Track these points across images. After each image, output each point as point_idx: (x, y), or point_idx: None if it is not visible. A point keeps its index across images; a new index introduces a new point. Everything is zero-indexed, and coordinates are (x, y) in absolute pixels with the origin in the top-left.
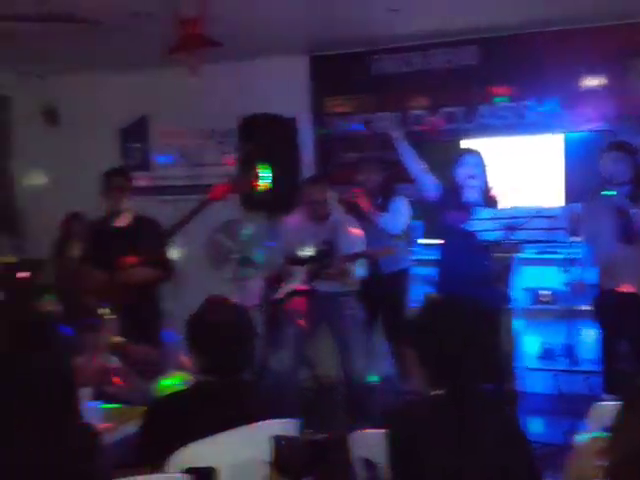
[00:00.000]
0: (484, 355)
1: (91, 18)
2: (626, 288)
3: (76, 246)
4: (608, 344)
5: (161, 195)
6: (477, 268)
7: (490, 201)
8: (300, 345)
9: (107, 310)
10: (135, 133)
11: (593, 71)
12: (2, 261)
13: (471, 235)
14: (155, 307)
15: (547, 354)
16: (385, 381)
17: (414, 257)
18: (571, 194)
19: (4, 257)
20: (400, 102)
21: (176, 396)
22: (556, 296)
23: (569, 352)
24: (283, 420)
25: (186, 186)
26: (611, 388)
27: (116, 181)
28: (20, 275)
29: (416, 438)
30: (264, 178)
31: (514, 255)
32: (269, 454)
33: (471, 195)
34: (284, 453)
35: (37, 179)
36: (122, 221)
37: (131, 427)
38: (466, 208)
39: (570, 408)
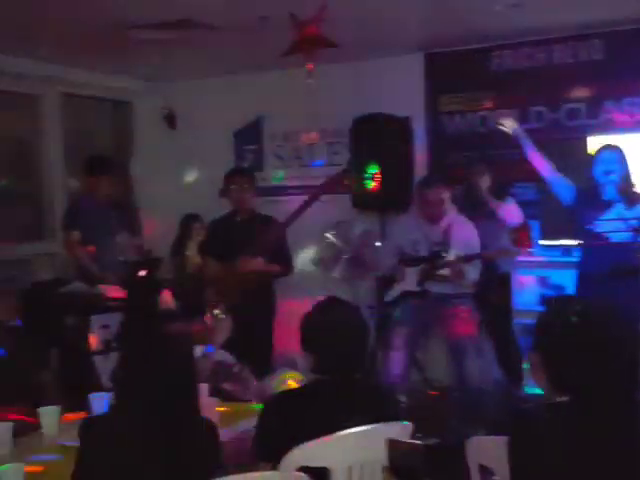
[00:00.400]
0: (615, 360)
1: (211, 24)
2: None
3: (193, 246)
4: None
5: (274, 196)
6: (623, 270)
7: (632, 198)
8: (412, 347)
9: (220, 310)
10: (249, 135)
11: None
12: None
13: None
14: (269, 304)
15: None
16: (498, 385)
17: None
18: None
19: (125, 256)
20: (520, 99)
21: (291, 394)
22: None
23: None
24: (397, 423)
25: (298, 186)
26: None
27: (239, 180)
28: (140, 273)
29: (539, 446)
30: (375, 178)
31: None
32: (384, 457)
33: (609, 192)
34: (400, 457)
35: (156, 180)
36: (243, 218)
37: (246, 424)
38: (604, 206)
39: None
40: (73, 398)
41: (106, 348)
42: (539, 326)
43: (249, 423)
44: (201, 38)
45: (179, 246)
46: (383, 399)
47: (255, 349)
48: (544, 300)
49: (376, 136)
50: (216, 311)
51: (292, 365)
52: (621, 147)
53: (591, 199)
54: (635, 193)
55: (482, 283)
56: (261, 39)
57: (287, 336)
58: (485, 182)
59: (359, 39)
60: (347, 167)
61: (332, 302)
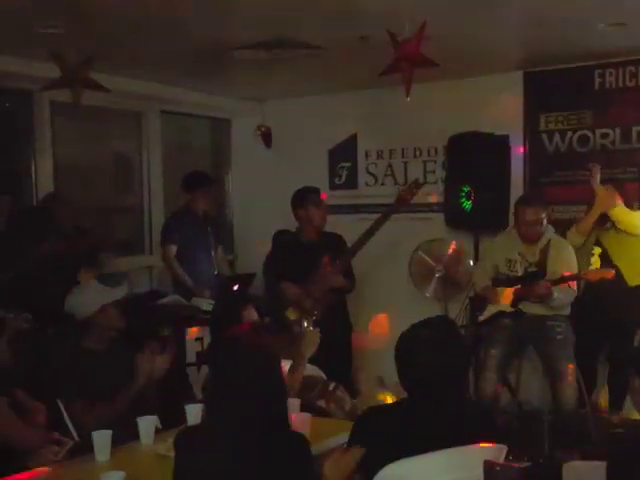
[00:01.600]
0: None
1: (310, 43)
2: None
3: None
4: None
5: (367, 213)
6: None
7: None
8: (502, 368)
9: (309, 324)
10: (344, 152)
11: None
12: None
13: None
14: (347, 320)
15: None
16: (601, 411)
17: None
18: None
19: (220, 271)
20: (622, 117)
21: (384, 409)
22: None
23: None
24: (492, 445)
25: (390, 204)
26: None
27: (308, 198)
28: (233, 288)
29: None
30: (469, 197)
31: None
32: (479, 477)
33: None
34: (497, 478)
35: (251, 197)
36: (310, 236)
37: (337, 440)
38: None
39: None
40: (168, 407)
41: (198, 360)
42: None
43: (342, 439)
44: (299, 57)
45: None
46: (480, 420)
47: (335, 367)
48: None
49: (472, 154)
50: (305, 323)
51: (380, 385)
52: None
53: None
54: None
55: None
56: (359, 58)
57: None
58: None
59: (458, 57)
60: (417, 179)
61: (432, 319)
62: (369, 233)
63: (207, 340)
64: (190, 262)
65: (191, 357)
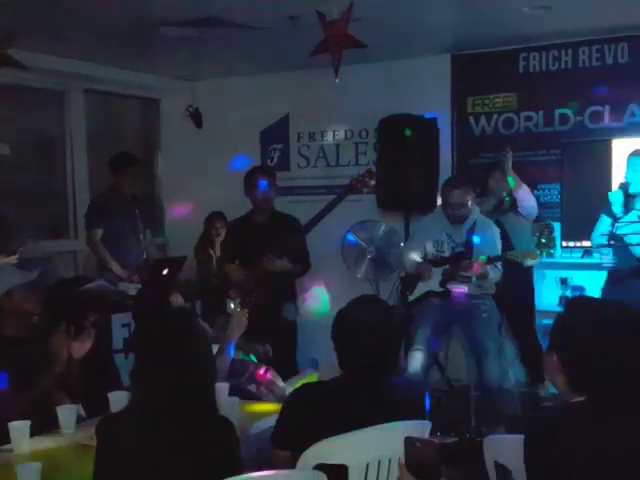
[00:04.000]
0: (632, 360)
1: (240, 22)
2: None
3: (217, 244)
4: None
5: (300, 195)
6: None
7: None
8: (431, 346)
9: (236, 304)
10: (276, 134)
11: None
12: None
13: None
14: (291, 304)
15: None
16: (519, 385)
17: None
18: None
19: (149, 255)
20: (547, 101)
21: (316, 387)
22: None
23: None
24: (415, 422)
25: (323, 186)
26: None
27: (260, 179)
28: (162, 272)
29: (555, 446)
30: (400, 178)
31: None
32: (402, 455)
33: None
34: (418, 455)
35: (181, 179)
36: (263, 218)
37: (267, 423)
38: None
39: None
40: (93, 395)
41: (126, 346)
42: (557, 327)
43: (272, 421)
44: (229, 37)
45: (203, 245)
46: (411, 398)
47: (278, 350)
48: (563, 301)
49: (402, 136)
50: (232, 304)
51: (313, 365)
52: None
53: (621, 201)
54: None
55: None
56: (290, 38)
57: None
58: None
59: (386, 39)
60: (372, 167)
61: (367, 300)
62: (316, 219)
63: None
64: (117, 246)
65: (118, 344)
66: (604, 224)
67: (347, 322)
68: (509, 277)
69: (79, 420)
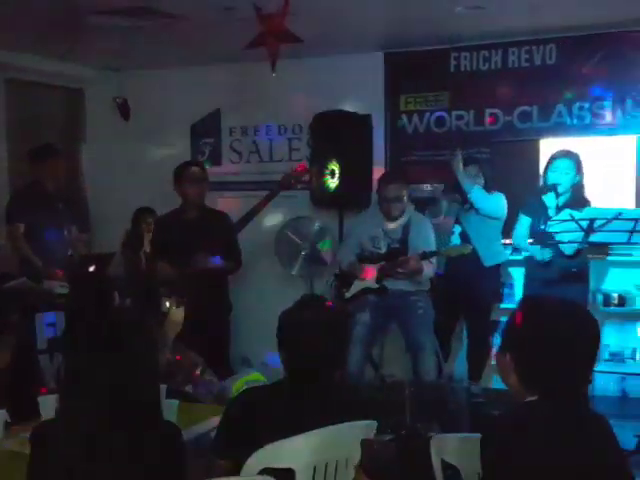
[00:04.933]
0: (581, 359)
1: (172, 12)
2: None
3: (146, 240)
4: None
5: (231, 190)
6: (567, 269)
7: (581, 202)
8: (368, 343)
9: (172, 303)
10: (207, 128)
11: None
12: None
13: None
14: (225, 301)
15: (615, 357)
16: (458, 381)
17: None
18: None
19: (73, 251)
20: (476, 101)
21: (259, 391)
22: (627, 298)
23: (638, 355)
24: (361, 422)
25: (256, 182)
26: None
27: (191, 173)
28: (89, 269)
29: (512, 445)
30: (334, 175)
31: (594, 257)
32: (349, 456)
33: (560, 196)
34: (376, 457)
35: (107, 173)
36: (193, 214)
37: (206, 425)
38: (556, 209)
39: (636, 412)
40: (17, 399)
41: (51, 347)
42: (510, 327)
43: (212, 423)
44: (162, 27)
45: (131, 241)
46: (353, 398)
47: (211, 349)
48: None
49: (336, 133)
50: (167, 303)
51: (247, 364)
52: (577, 154)
53: (542, 202)
54: (584, 199)
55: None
56: (224, 31)
57: (244, 334)
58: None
59: (320, 35)
60: (305, 163)
61: (313, 299)
62: (249, 216)
63: (61, 326)
64: (39, 242)
65: (43, 344)
66: (524, 224)
67: (294, 323)
68: (473, 274)
69: (5, 426)
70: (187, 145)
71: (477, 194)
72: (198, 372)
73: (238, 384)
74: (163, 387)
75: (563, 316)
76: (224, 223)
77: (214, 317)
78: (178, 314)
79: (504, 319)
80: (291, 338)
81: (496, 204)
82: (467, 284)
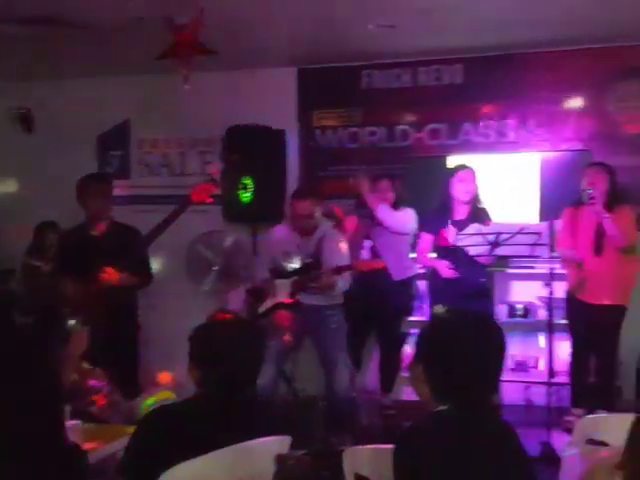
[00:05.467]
0: (490, 369)
1: (79, 22)
2: (596, 299)
3: (49, 256)
4: (577, 357)
5: (141, 204)
6: (472, 283)
7: (482, 216)
8: (281, 359)
9: (77, 322)
10: (115, 140)
11: (573, 92)
12: None
13: (462, 251)
14: (132, 318)
15: (519, 366)
16: (369, 394)
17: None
18: (545, 211)
19: None
20: (388, 117)
21: (170, 410)
22: (530, 309)
23: (541, 364)
24: (275, 437)
25: (167, 196)
26: (579, 401)
27: (96, 188)
28: None
29: (424, 456)
30: (247, 189)
31: (497, 270)
32: (264, 472)
33: (463, 210)
34: (291, 473)
35: (9, 186)
36: (100, 229)
37: (114, 446)
38: (458, 224)
39: (541, 420)
40: None
41: None
42: (422, 338)
43: (117, 445)
44: (68, 37)
45: (33, 257)
46: (266, 414)
47: (119, 368)
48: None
49: (249, 147)
50: (71, 322)
51: (157, 383)
52: (473, 167)
53: (445, 216)
54: (483, 211)
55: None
56: (134, 41)
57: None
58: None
59: (234, 49)
60: (215, 177)
61: (225, 316)
62: (158, 230)
63: None
64: None
65: None
66: (425, 240)
67: (208, 339)
68: (383, 289)
69: None
70: (93, 157)
71: (382, 211)
72: (105, 392)
73: (147, 403)
74: (67, 408)
75: (470, 327)
76: (132, 238)
77: (121, 335)
78: (83, 332)
79: (416, 331)
80: (205, 355)
81: (403, 220)
82: (377, 298)
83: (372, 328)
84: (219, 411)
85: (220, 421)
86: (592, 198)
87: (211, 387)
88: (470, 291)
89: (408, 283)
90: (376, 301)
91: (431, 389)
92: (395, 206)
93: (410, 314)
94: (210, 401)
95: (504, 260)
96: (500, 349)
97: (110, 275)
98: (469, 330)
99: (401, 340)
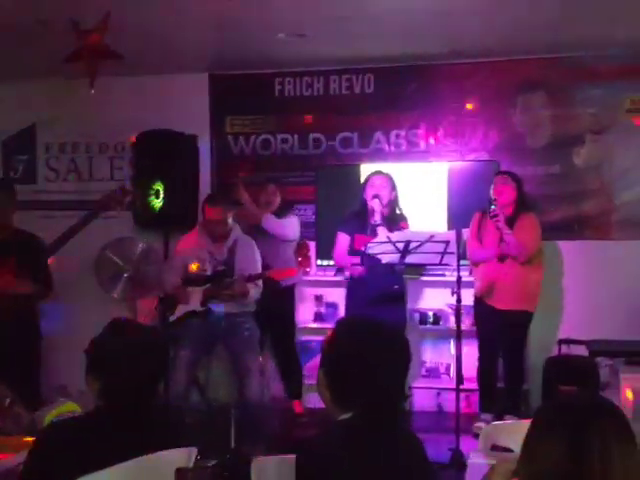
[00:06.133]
0: (393, 376)
1: None
2: (502, 305)
3: None
4: (485, 362)
5: (48, 210)
6: (387, 288)
7: (398, 221)
8: (192, 367)
9: None
10: (20, 144)
11: (480, 104)
12: None
13: (376, 258)
14: (34, 327)
15: (430, 372)
16: (276, 402)
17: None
18: (453, 220)
19: None
20: (301, 125)
21: (70, 423)
22: (441, 316)
23: (452, 370)
24: (180, 449)
25: (75, 201)
26: (487, 406)
27: None
28: None
29: (325, 465)
30: (159, 195)
31: (410, 277)
32: None
33: (377, 217)
34: None
35: None
36: (1, 235)
37: (16, 459)
38: (372, 230)
39: (451, 426)
40: None
41: None
42: (326, 345)
43: (18, 458)
44: None
45: None
46: (167, 425)
47: (20, 379)
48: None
49: (160, 153)
50: None
51: (62, 393)
52: (389, 173)
53: (360, 222)
54: (400, 216)
55: (268, 298)
56: (38, 44)
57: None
58: (272, 200)
59: (145, 53)
60: (126, 183)
61: (125, 324)
62: (65, 237)
63: None
64: None
65: None
66: (343, 243)
67: (107, 350)
68: (270, 295)
69: None
70: None
71: (268, 222)
72: (6, 404)
73: (51, 415)
74: None
75: (369, 335)
76: (32, 245)
77: (22, 346)
78: None
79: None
80: (103, 366)
81: (289, 228)
82: (267, 305)
83: (267, 333)
84: (118, 424)
85: (119, 434)
86: (495, 215)
87: (109, 399)
88: (384, 295)
89: (293, 290)
90: (266, 308)
91: (332, 396)
92: (279, 212)
93: (294, 320)
94: (108, 414)
95: (417, 268)
96: (401, 358)
97: (5, 281)
98: (369, 338)
99: (293, 346)
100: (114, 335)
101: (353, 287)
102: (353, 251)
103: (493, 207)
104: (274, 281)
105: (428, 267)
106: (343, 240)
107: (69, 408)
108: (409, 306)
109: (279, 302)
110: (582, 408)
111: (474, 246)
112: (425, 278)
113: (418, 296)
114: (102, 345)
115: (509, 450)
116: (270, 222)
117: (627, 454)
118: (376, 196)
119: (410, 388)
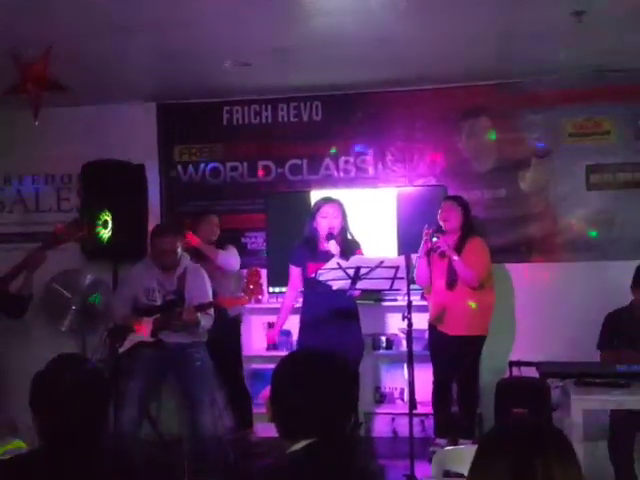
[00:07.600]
0: (340, 406)
1: None
2: (454, 331)
3: None
4: (440, 387)
5: None
6: (339, 307)
7: (348, 247)
8: (143, 399)
9: None
10: None
11: (426, 130)
12: None
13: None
14: None
15: (385, 398)
16: (230, 432)
17: (262, 305)
18: (403, 245)
19: None
20: (250, 153)
21: (11, 463)
22: (394, 341)
23: (406, 395)
24: None
25: (21, 233)
26: (442, 431)
27: None
28: None
29: None
30: (107, 226)
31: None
32: None
33: (328, 244)
34: None
35: None
36: None
37: None
38: (323, 257)
39: (406, 451)
40: None
41: None
42: (273, 374)
43: None
44: None
45: None
46: (121, 459)
47: None
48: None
49: (108, 183)
50: None
51: (11, 428)
52: (339, 200)
53: (311, 249)
54: (353, 242)
55: (214, 329)
56: None
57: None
58: (214, 232)
59: (91, 84)
60: (78, 217)
61: (67, 359)
62: (14, 272)
63: None
64: None
65: None
66: (295, 275)
67: (46, 387)
68: (217, 324)
69: None
70: None
71: (222, 258)
72: None
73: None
74: None
75: (314, 367)
76: None
77: None
78: None
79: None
80: (42, 403)
81: (233, 259)
82: (213, 335)
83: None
84: (60, 463)
85: (62, 473)
86: (437, 248)
87: (47, 439)
88: (337, 313)
89: (238, 319)
90: (213, 337)
91: (280, 428)
92: (220, 243)
93: (241, 349)
94: (52, 450)
95: (375, 293)
96: (347, 388)
97: None
98: (313, 370)
99: (240, 375)
100: (54, 374)
101: (305, 313)
102: (307, 280)
103: (435, 239)
104: (222, 310)
105: (382, 292)
106: (295, 274)
107: (16, 446)
108: (363, 331)
109: (225, 332)
110: (524, 434)
111: (421, 264)
112: (377, 303)
113: (371, 321)
114: (40, 385)
115: (461, 476)
116: (222, 258)
117: (570, 479)
118: (327, 226)
119: (364, 414)
